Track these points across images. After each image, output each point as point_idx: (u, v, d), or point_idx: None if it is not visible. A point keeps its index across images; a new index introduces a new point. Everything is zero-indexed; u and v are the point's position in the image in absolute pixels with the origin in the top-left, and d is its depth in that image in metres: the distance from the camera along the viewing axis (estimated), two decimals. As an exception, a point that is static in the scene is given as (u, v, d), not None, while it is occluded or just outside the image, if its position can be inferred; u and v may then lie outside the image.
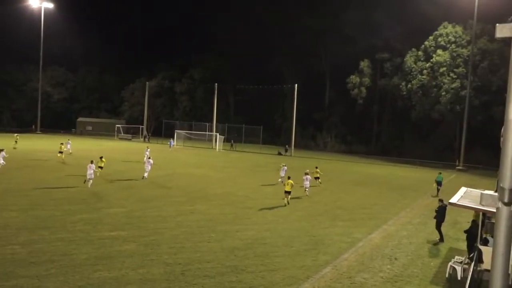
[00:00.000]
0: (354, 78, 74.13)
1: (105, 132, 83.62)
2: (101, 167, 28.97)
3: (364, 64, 74.64)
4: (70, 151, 42.96)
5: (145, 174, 29.10)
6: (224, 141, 68.09)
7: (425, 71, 62.71)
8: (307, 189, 26.05)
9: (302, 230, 17.20)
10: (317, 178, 30.75)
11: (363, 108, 75.58)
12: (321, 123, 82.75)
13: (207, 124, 74.20)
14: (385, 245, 15.89)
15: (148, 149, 40.18)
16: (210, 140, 70.35)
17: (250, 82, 79.10)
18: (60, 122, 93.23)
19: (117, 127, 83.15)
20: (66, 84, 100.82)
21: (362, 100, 74.47)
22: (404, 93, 65.27)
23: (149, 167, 29.38)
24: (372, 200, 26.10)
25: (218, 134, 67.39)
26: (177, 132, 70.59)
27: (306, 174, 26.64)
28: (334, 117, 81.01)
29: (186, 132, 72.91)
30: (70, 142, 44.64)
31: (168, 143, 63.30)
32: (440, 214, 17.16)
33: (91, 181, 24.53)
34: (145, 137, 78.87)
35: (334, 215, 20.64)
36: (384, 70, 72.98)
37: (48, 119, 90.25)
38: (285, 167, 31.71)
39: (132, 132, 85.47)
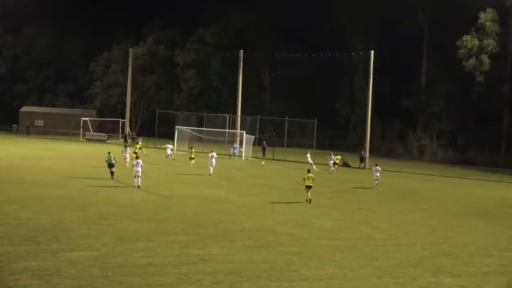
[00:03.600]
0: (469, 40, 72.90)
1: (65, 130, 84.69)
2: (140, 149, 48.05)
3: (487, 17, 73.32)
4: (173, 157, 57.14)
5: (211, 170, 43.75)
6: (255, 144, 68.12)
7: None
8: (332, 167, 52.74)
9: (385, 291, 16.99)
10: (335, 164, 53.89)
11: (485, 89, 74.32)
12: (415, 116, 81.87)
13: (227, 116, 74.53)
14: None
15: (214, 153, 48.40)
16: (233, 142, 70.52)
17: (296, 48, 79.04)
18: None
19: (83, 121, 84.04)
20: (4, 52, 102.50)
21: (483, 76, 73.15)
22: (556, 64, 63.85)
23: (214, 161, 43.89)
24: (501, 242, 25.66)
25: (245, 132, 67.73)
26: (178, 129, 70.94)
27: (331, 155, 52.79)
28: (435, 106, 79.98)
29: (193, 130, 73.32)
30: (170, 146, 59.00)
31: (231, 149, 65.07)
32: None
33: (139, 179, 34.25)
34: (126, 137, 79.06)
35: (437, 267, 20.32)
36: (520, 27, 71.63)
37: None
38: (378, 167, 43.55)
39: (108, 129, 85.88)
